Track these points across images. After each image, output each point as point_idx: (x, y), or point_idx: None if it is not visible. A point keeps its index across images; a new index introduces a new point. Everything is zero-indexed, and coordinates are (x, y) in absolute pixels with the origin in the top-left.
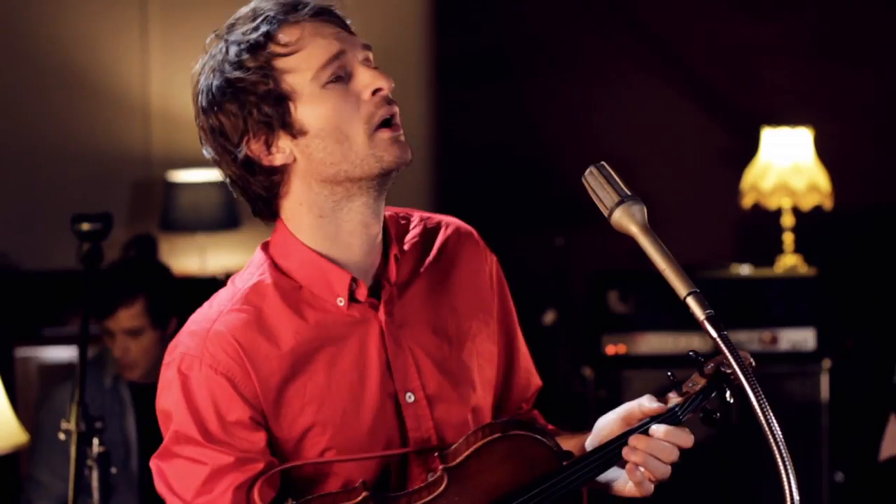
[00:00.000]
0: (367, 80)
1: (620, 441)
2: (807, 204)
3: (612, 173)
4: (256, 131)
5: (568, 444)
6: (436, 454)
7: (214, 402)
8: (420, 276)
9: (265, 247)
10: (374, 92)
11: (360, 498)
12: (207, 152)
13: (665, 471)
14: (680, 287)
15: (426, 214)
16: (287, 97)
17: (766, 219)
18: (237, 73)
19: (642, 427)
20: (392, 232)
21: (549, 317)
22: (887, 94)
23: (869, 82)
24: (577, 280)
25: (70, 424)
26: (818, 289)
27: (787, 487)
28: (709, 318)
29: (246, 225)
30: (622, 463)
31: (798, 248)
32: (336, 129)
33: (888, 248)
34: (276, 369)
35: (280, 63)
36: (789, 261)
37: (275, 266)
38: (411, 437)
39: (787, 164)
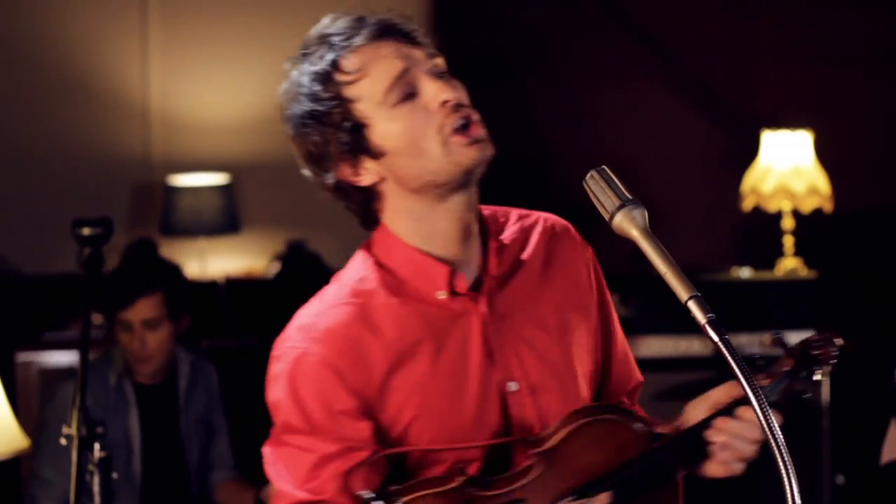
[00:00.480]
0: (432, 92)
1: (706, 423)
2: (807, 207)
3: (613, 177)
4: (341, 157)
5: (660, 430)
6: (526, 439)
7: (321, 394)
8: (520, 269)
9: (366, 247)
10: (442, 103)
11: (457, 482)
12: (305, 173)
13: (751, 451)
14: (681, 291)
15: (524, 212)
16: (361, 124)
17: (766, 222)
18: (312, 105)
19: (729, 409)
20: (491, 228)
21: None
22: (887, 98)
23: (868, 85)
24: None
25: (71, 429)
26: (818, 291)
27: (788, 490)
28: (710, 322)
29: (246, 229)
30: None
31: (798, 251)
32: (412, 146)
33: (888, 250)
34: (382, 361)
35: (349, 91)
36: (789, 264)
37: (378, 264)
38: (515, 426)
39: (787, 166)
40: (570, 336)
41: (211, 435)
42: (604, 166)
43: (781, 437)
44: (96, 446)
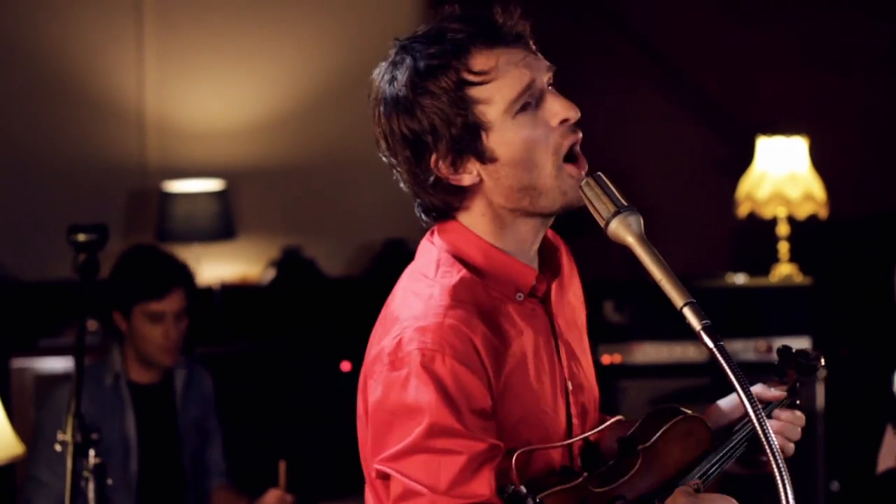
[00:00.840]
0: (556, 108)
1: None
2: (802, 213)
3: (609, 184)
4: (445, 152)
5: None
6: (619, 438)
7: (465, 392)
8: (557, 277)
9: (440, 243)
10: (562, 121)
11: (581, 479)
12: (384, 157)
13: (791, 448)
14: (676, 297)
15: None
16: (479, 126)
17: (761, 228)
18: (427, 98)
19: (766, 412)
20: (548, 232)
21: None
22: (882, 104)
23: (864, 92)
24: None
25: (66, 436)
26: (813, 298)
27: (783, 497)
28: (705, 329)
29: (241, 235)
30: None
31: (793, 258)
32: (526, 159)
33: (883, 256)
34: (501, 360)
35: (472, 92)
36: (784, 270)
37: (462, 262)
38: (574, 424)
39: (782, 173)
40: (583, 343)
41: (205, 440)
42: (599, 173)
43: (776, 443)
44: (91, 452)
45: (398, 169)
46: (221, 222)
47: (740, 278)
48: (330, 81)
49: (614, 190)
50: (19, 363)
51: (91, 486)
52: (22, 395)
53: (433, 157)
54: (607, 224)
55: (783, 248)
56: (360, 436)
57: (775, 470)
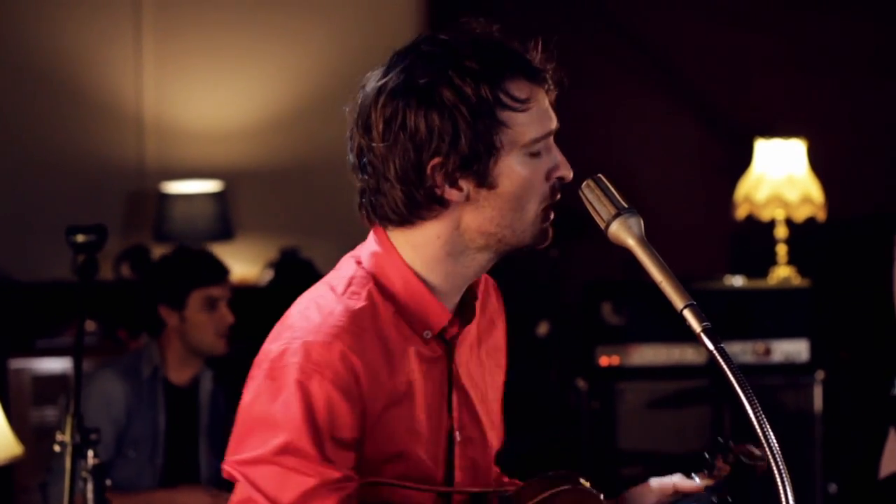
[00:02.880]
0: (558, 163)
1: None
2: (800, 215)
3: (610, 186)
4: (449, 160)
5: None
6: (500, 495)
7: (331, 418)
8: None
9: (363, 263)
10: (559, 178)
11: None
12: (372, 140)
13: None
14: (677, 299)
15: None
16: (494, 149)
17: (759, 230)
18: (458, 99)
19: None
20: None
21: (542, 328)
22: (880, 107)
23: (862, 95)
24: (570, 291)
25: (65, 436)
26: (811, 300)
27: (784, 499)
28: (705, 331)
29: (239, 236)
30: None
31: (791, 260)
32: (519, 198)
33: (881, 259)
34: (381, 394)
35: (503, 115)
36: (783, 272)
37: (379, 288)
38: (456, 476)
39: (780, 175)
40: (492, 391)
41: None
42: (600, 175)
43: (777, 446)
44: (90, 453)
45: (385, 158)
46: (219, 223)
47: (738, 280)
48: (327, 83)
49: (614, 192)
50: (17, 364)
51: (90, 487)
52: (20, 396)
53: (435, 161)
54: (608, 226)
55: (781, 250)
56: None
57: (776, 473)
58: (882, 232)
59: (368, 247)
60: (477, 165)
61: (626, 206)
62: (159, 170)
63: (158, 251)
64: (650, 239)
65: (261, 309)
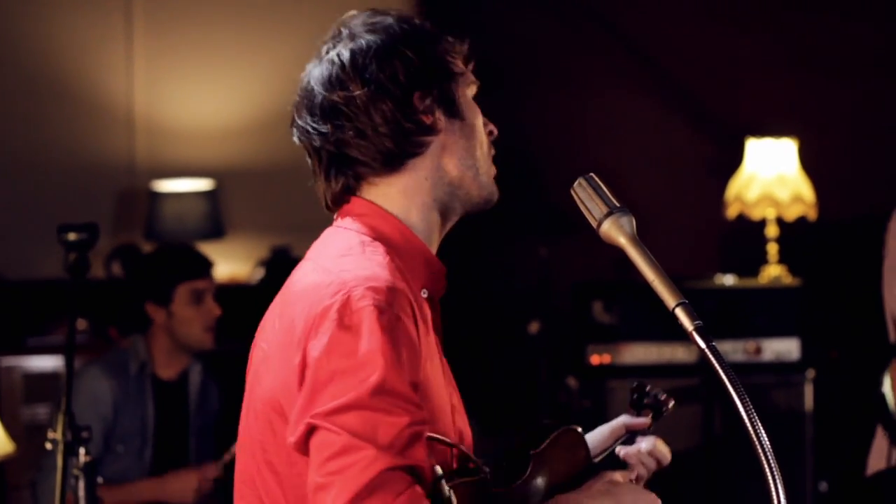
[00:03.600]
0: (482, 121)
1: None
2: (791, 214)
3: (602, 185)
4: (428, 92)
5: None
6: (515, 445)
7: (412, 358)
8: None
9: (356, 226)
10: (489, 132)
11: (482, 476)
12: (339, 95)
13: (655, 466)
14: (668, 298)
15: None
16: (457, 82)
17: (750, 229)
18: (423, 39)
19: (629, 440)
20: None
21: (533, 327)
22: (871, 106)
23: (853, 94)
24: (561, 290)
25: (56, 434)
26: (802, 299)
27: (775, 498)
28: (697, 329)
29: (230, 235)
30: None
31: (782, 259)
32: (478, 133)
33: (872, 258)
34: (424, 343)
35: (454, 54)
36: (773, 271)
37: (386, 249)
38: (452, 439)
39: (771, 174)
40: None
41: (205, 444)
42: (591, 174)
43: (769, 444)
44: (81, 450)
45: (368, 109)
46: (210, 222)
47: (729, 279)
48: None
49: (606, 191)
50: (8, 362)
51: (81, 484)
52: (11, 394)
53: (418, 92)
54: (599, 225)
55: (772, 249)
56: (255, 422)
57: (767, 471)
58: (872, 231)
59: (352, 216)
60: (448, 95)
61: (618, 204)
62: (150, 168)
63: (149, 250)
64: (641, 238)
65: (252, 307)
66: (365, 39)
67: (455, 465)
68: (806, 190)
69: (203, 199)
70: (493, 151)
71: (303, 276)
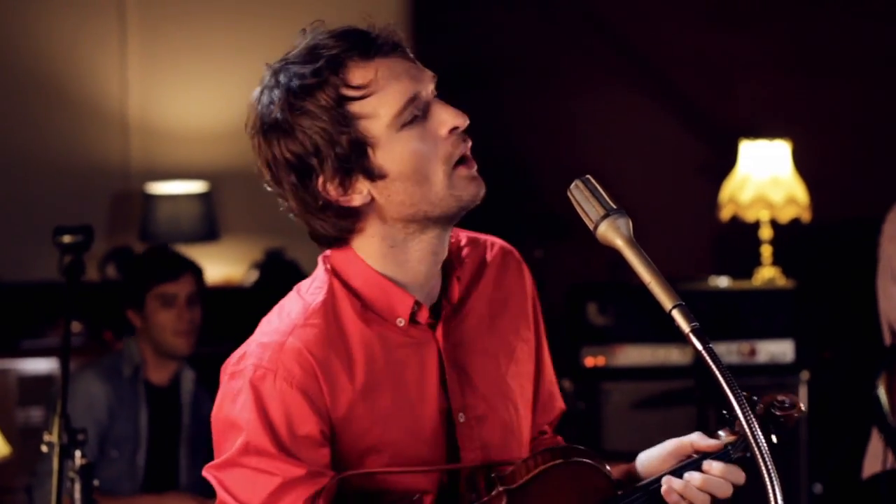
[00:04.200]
0: (444, 117)
1: (675, 473)
2: (785, 216)
3: (598, 187)
4: (332, 174)
5: (615, 472)
6: (493, 474)
7: (288, 416)
8: (472, 295)
9: (327, 265)
10: (451, 130)
11: None
12: (268, 185)
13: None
14: (665, 300)
15: (472, 234)
16: (364, 143)
17: (744, 231)
18: (306, 119)
19: (696, 463)
20: (453, 254)
21: None
22: (865, 108)
23: (847, 96)
24: (555, 292)
25: (52, 436)
26: (796, 301)
27: (772, 500)
28: (694, 331)
29: (224, 237)
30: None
31: (776, 261)
32: (416, 172)
33: (866, 260)
34: (348, 387)
35: (354, 108)
36: (767, 273)
37: (342, 284)
38: (463, 458)
39: (765, 176)
40: (514, 365)
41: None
42: (588, 175)
43: (766, 447)
44: (77, 453)
45: (286, 198)
46: (205, 224)
47: (723, 281)
48: None
49: (603, 192)
50: (2, 364)
51: (77, 487)
52: (6, 397)
53: (320, 180)
54: (596, 227)
55: (766, 251)
56: None
57: (765, 473)
58: (866, 233)
59: (329, 256)
60: (357, 165)
61: (614, 206)
62: (144, 170)
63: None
64: (636, 240)
65: (246, 309)
66: (264, 139)
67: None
68: (800, 192)
69: (197, 202)
70: (463, 146)
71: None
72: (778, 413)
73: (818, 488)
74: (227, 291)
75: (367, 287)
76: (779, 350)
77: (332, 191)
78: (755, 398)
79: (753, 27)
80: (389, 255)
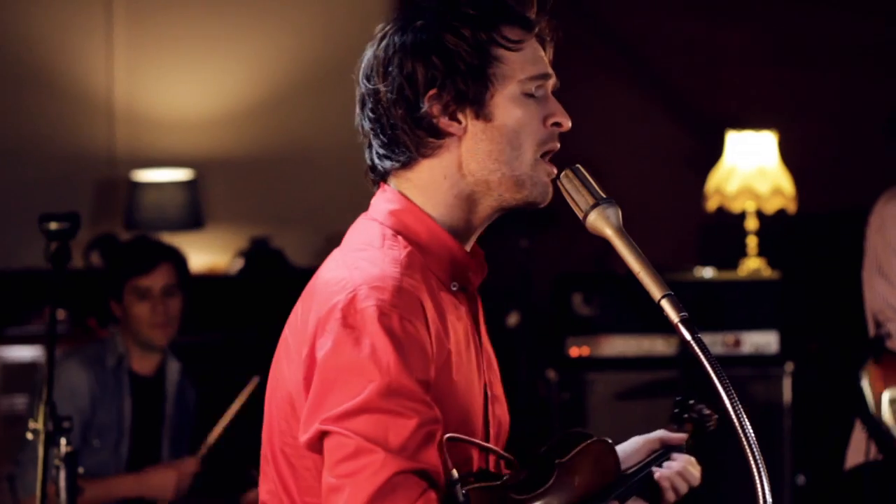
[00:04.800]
0: (555, 110)
1: (656, 462)
2: (771, 207)
3: (588, 176)
4: (447, 94)
5: None
6: (543, 450)
7: (418, 356)
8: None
9: (378, 219)
10: (555, 124)
11: (501, 482)
12: (368, 86)
13: (682, 491)
14: (654, 290)
15: None
16: (491, 82)
17: (729, 222)
18: (454, 37)
19: (664, 455)
20: None
21: (512, 319)
22: (851, 99)
23: (833, 87)
24: (541, 282)
25: (38, 424)
26: (781, 292)
27: (759, 489)
28: (683, 321)
29: (209, 225)
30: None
31: (761, 252)
32: (515, 134)
33: (851, 251)
34: (441, 340)
35: (498, 52)
36: (753, 264)
37: (406, 238)
38: (491, 431)
39: (751, 167)
40: (495, 361)
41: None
42: (578, 165)
43: (753, 436)
44: (62, 441)
45: (388, 104)
46: (190, 212)
47: (709, 272)
48: (299, 72)
49: (593, 182)
50: None
51: (62, 475)
52: None
53: (432, 91)
54: (586, 216)
55: (752, 242)
56: (276, 408)
57: (752, 464)
58: (852, 224)
59: (381, 206)
60: (474, 96)
61: (604, 196)
62: (130, 158)
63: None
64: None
65: (231, 298)
66: (399, 37)
67: (484, 464)
68: (786, 183)
69: (183, 189)
70: (555, 143)
71: (327, 268)
72: (688, 416)
73: (801, 479)
74: (211, 280)
75: (432, 241)
76: (763, 341)
77: (436, 108)
78: (688, 402)
79: (740, 18)
80: (451, 207)
